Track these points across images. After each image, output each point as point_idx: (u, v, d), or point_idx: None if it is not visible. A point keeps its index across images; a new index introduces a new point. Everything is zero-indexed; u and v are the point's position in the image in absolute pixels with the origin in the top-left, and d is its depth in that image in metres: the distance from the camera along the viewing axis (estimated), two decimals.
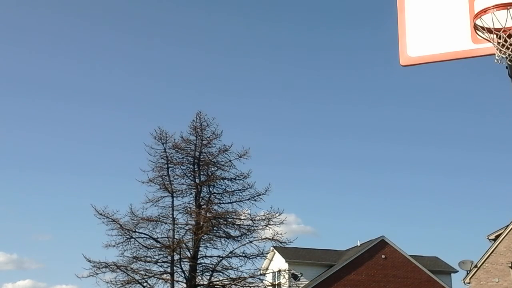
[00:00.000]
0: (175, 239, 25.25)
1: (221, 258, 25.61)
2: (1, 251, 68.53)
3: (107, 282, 24.62)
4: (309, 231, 57.00)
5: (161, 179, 26.14)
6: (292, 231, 54.67)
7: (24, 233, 63.03)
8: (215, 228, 25.75)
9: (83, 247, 72.36)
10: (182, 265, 25.30)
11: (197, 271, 25.24)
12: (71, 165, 60.38)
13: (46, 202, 61.18)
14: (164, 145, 26.31)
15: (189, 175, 26.54)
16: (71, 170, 60.77)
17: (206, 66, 64.89)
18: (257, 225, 26.10)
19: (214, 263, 25.55)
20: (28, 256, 71.95)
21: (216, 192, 26.46)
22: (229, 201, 26.29)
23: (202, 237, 25.18)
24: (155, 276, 25.13)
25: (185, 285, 24.95)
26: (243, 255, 25.59)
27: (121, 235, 25.23)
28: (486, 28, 4.44)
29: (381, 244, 36.77)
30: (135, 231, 25.44)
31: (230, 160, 26.37)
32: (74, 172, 58.72)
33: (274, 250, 36.07)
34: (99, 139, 61.40)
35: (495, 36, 4.45)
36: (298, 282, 34.77)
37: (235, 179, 26.29)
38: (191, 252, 25.12)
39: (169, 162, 26.29)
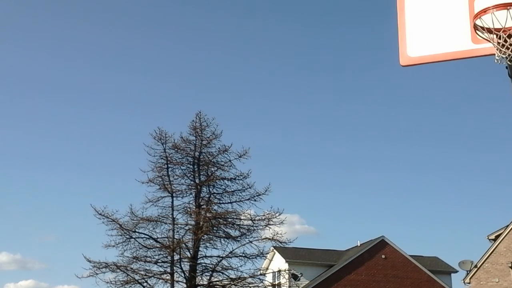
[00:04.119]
0: (175, 239, 25.24)
1: (221, 258, 25.61)
2: (5, 251, 68.57)
3: (107, 282, 24.64)
4: (312, 231, 57.10)
5: (161, 179, 26.15)
6: (296, 232, 54.77)
7: (28, 234, 63.10)
8: (215, 228, 25.75)
9: (85, 248, 72.45)
10: (182, 265, 25.34)
11: (197, 271, 25.24)
12: (72, 165, 60.46)
13: (50, 203, 61.30)
14: (164, 145, 26.34)
15: (189, 175, 26.55)
16: (72, 170, 60.84)
17: (206, 66, 64.97)
18: (257, 225, 26.11)
19: (214, 263, 25.57)
20: (31, 256, 72.07)
21: (216, 192, 26.47)
22: (229, 201, 26.31)
23: (202, 237, 25.18)
24: (155, 276, 25.13)
25: (185, 285, 24.94)
26: (243, 255, 25.60)
27: (121, 235, 25.26)
28: (486, 28, 4.44)
29: (381, 244, 36.76)
30: (135, 231, 25.45)
31: (230, 160, 26.40)
32: (74, 172, 58.84)
33: (274, 250, 36.05)
34: (99, 139, 61.48)
35: (495, 36, 4.44)
36: (298, 282, 34.76)
37: (235, 179, 26.30)
38: (191, 252, 25.12)
39: (169, 162, 26.28)
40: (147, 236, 25.59)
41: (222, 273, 25.71)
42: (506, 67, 4.73)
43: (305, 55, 66.94)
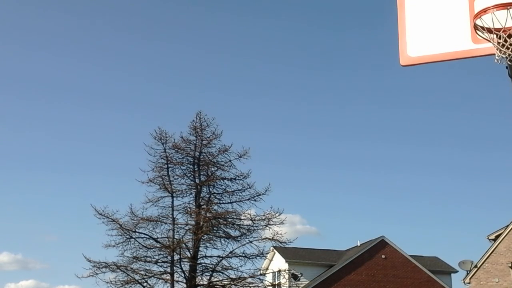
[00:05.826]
0: (175, 239, 25.24)
1: (221, 258, 25.61)
2: (6, 251, 68.62)
3: (107, 282, 24.64)
4: (314, 231, 57.13)
5: (161, 179, 26.15)
6: (297, 232, 54.82)
7: (29, 234, 63.12)
8: (215, 228, 25.76)
9: (86, 248, 72.51)
10: (182, 265, 25.34)
11: (197, 271, 25.24)
12: (72, 165, 60.46)
13: (50, 203, 61.29)
14: (164, 145, 26.35)
15: (189, 175, 26.56)
16: (72, 170, 60.83)
17: (206, 66, 64.97)
18: (257, 225, 26.12)
19: (214, 263, 25.57)
20: (32, 256, 72.04)
21: (216, 192, 26.48)
22: (229, 201, 26.32)
23: (202, 237, 25.18)
24: (155, 276, 25.13)
25: (185, 285, 24.94)
26: (243, 255, 25.61)
27: (121, 235, 25.27)
28: (486, 28, 4.43)
29: (381, 244, 36.76)
30: (135, 231, 25.45)
31: (230, 160, 26.40)
32: (74, 172, 58.84)
33: (274, 250, 36.06)
34: (99, 139, 61.48)
35: (495, 36, 4.44)
36: (298, 282, 34.76)
37: (235, 179, 26.30)
38: (191, 252, 25.12)
39: (169, 162, 26.29)
40: (147, 236, 25.62)
41: (222, 273, 25.74)
42: (506, 67, 4.73)
43: (305, 55, 67.01)
